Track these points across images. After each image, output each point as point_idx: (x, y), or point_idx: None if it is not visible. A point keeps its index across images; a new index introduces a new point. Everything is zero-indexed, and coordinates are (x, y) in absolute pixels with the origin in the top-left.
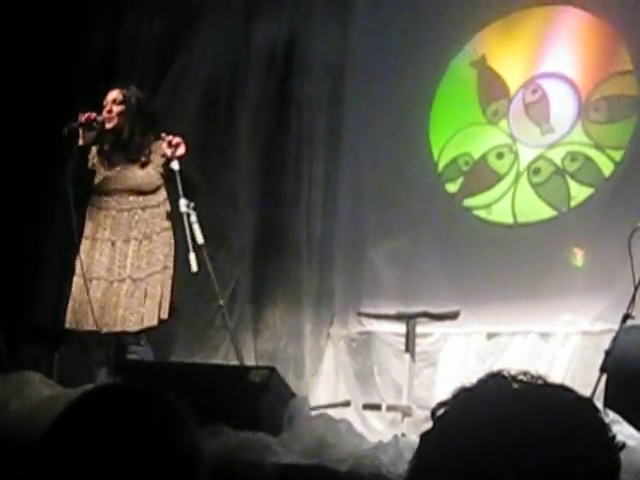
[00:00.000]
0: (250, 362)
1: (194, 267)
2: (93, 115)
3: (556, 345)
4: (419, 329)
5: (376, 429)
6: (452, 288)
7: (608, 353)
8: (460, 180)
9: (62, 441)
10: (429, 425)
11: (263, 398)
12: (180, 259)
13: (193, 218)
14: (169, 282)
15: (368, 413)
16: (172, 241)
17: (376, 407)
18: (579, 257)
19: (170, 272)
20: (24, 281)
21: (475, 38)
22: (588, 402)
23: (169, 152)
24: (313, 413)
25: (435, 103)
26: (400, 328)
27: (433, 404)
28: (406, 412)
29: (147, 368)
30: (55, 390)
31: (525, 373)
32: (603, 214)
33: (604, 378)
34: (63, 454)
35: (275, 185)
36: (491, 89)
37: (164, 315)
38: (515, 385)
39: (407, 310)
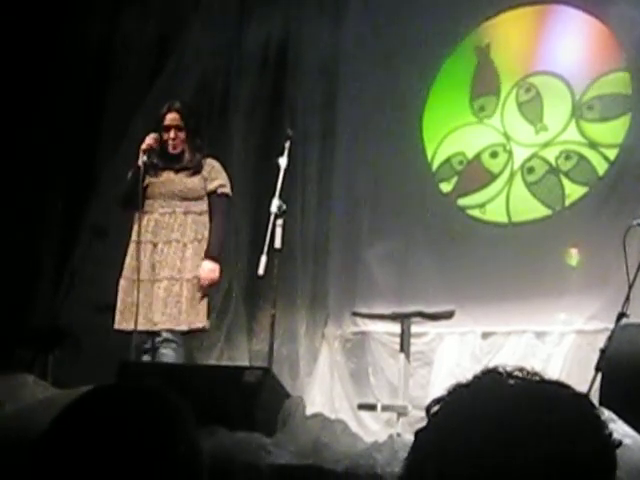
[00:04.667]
0: (244, 363)
1: (261, 270)
2: (156, 138)
3: (551, 344)
4: (414, 329)
5: (371, 429)
6: (447, 288)
7: (603, 352)
8: (454, 179)
9: (62, 441)
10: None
11: (258, 399)
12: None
13: (279, 222)
14: (209, 291)
15: (363, 413)
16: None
17: (371, 407)
18: (574, 256)
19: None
20: (19, 283)
21: (484, 26)
22: (585, 398)
23: None
24: (308, 413)
25: (428, 103)
26: (395, 328)
27: None
28: (401, 412)
29: (143, 368)
30: (50, 392)
31: (521, 369)
32: (597, 213)
33: (599, 377)
34: (63, 454)
35: (269, 186)
36: (484, 82)
37: (202, 321)
38: (511, 381)
39: (402, 310)
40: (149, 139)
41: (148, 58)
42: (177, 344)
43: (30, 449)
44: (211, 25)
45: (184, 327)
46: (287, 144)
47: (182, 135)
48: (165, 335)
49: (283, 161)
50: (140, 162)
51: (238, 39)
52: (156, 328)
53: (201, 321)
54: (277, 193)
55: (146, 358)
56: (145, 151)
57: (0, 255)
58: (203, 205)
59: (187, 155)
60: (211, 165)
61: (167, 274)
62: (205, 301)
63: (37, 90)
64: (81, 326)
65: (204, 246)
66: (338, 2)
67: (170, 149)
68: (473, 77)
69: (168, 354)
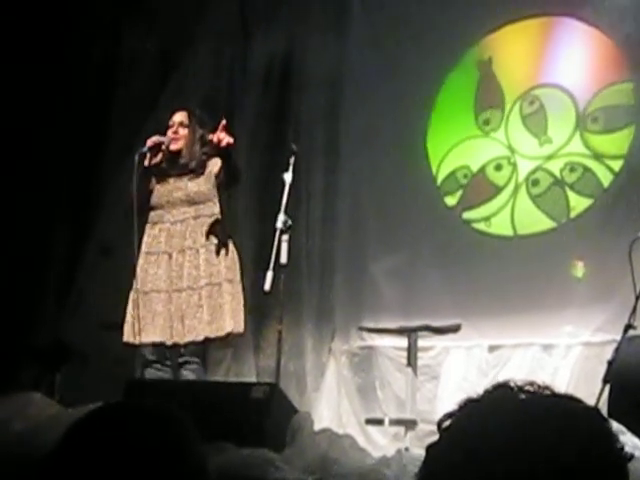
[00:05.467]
0: (252, 378)
1: (267, 286)
2: (160, 139)
3: (558, 357)
4: (420, 343)
5: (379, 444)
6: (453, 301)
7: (610, 364)
8: (459, 193)
9: (69, 460)
10: (432, 439)
11: (266, 414)
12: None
13: (285, 237)
14: (236, 295)
15: (371, 428)
16: (233, 254)
17: (379, 422)
18: (579, 268)
19: (235, 285)
20: (25, 301)
21: (485, 40)
22: (596, 412)
23: (216, 139)
24: (316, 428)
25: (432, 116)
26: (402, 342)
27: (436, 417)
28: (409, 426)
29: (150, 386)
30: (57, 410)
31: (531, 383)
32: (603, 224)
33: (607, 389)
34: (70, 473)
35: (273, 200)
36: (488, 96)
37: (230, 327)
38: (522, 395)
39: (408, 324)
40: (149, 140)
41: (152, 74)
42: (198, 364)
43: (37, 468)
44: (215, 41)
45: (204, 336)
46: (292, 159)
47: (184, 132)
48: (185, 357)
49: (288, 176)
50: (146, 164)
51: (242, 55)
52: (175, 341)
53: (228, 326)
54: (282, 208)
55: (156, 372)
56: (149, 150)
57: (6, 273)
58: (213, 208)
59: (187, 154)
60: (214, 161)
61: (185, 284)
62: (229, 305)
63: (43, 105)
64: (88, 344)
65: (220, 250)
66: (341, 17)
67: (171, 145)
68: (477, 90)
69: (188, 376)
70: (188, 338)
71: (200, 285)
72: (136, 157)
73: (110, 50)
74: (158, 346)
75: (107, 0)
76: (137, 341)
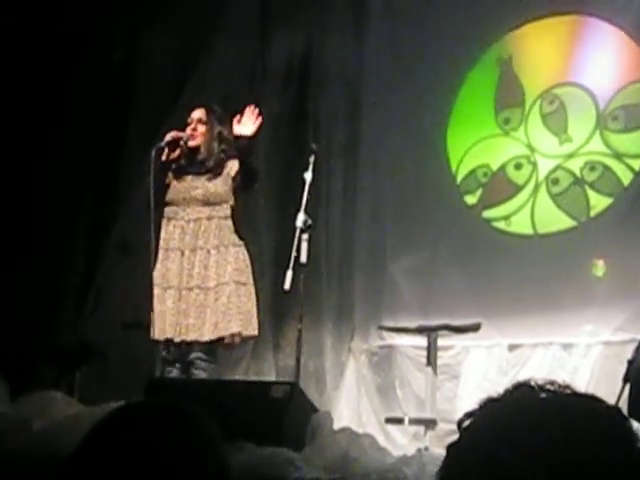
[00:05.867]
0: (271, 377)
1: (287, 285)
2: (179, 134)
3: (578, 356)
4: (440, 342)
5: (399, 443)
6: (473, 300)
7: (631, 363)
8: (479, 192)
9: (91, 459)
10: (452, 438)
11: (285, 413)
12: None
13: (305, 236)
14: (244, 297)
15: (391, 427)
16: (245, 257)
17: (399, 421)
18: (599, 267)
19: (245, 288)
20: (45, 300)
21: (505, 38)
22: (617, 411)
23: (236, 129)
24: (335, 428)
25: (452, 115)
26: (421, 341)
27: (456, 417)
28: (429, 425)
29: (171, 385)
30: (77, 409)
31: (552, 383)
32: (623, 223)
33: (627, 388)
34: (92, 473)
35: (293, 200)
36: (508, 94)
37: (236, 329)
38: (542, 395)
39: (428, 323)
40: (174, 133)
41: (171, 76)
42: (208, 362)
43: (59, 468)
44: (235, 41)
45: (209, 338)
46: (311, 159)
47: (203, 129)
48: (195, 354)
49: (308, 176)
50: (164, 158)
51: (262, 54)
52: (182, 338)
53: (233, 328)
54: (302, 208)
55: (174, 371)
56: (167, 145)
57: (27, 272)
58: (227, 210)
59: (205, 151)
60: (233, 163)
61: (194, 283)
62: (236, 308)
63: (61, 107)
64: (108, 342)
65: (230, 251)
66: (360, 16)
67: (189, 142)
68: (497, 89)
69: (199, 375)
70: (192, 337)
71: (208, 286)
72: (153, 152)
73: (129, 54)
74: (171, 343)
75: (126, 0)
76: (161, 337)
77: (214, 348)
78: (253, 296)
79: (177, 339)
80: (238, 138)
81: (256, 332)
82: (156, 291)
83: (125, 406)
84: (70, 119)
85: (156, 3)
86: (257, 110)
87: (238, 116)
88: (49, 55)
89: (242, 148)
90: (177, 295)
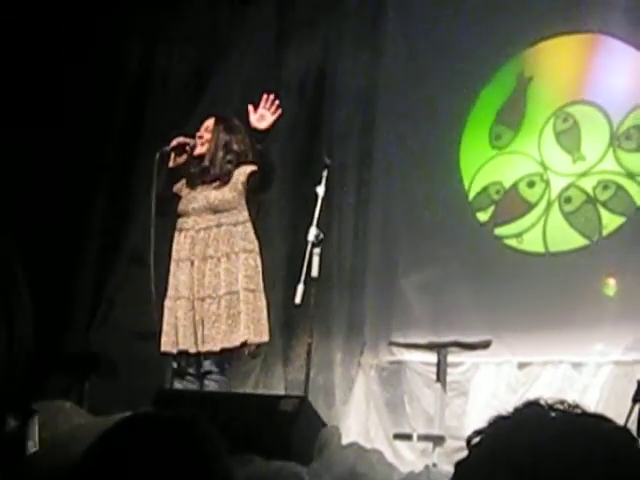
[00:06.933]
0: (280, 391)
1: (298, 299)
2: (185, 140)
3: (588, 375)
4: (450, 358)
5: (407, 459)
6: (483, 317)
7: None
8: (491, 209)
9: (97, 469)
10: (460, 455)
11: (294, 427)
12: None
13: (317, 250)
14: (253, 305)
15: (399, 443)
16: (255, 263)
17: (407, 437)
18: (611, 286)
19: (254, 295)
20: (55, 309)
21: (520, 56)
22: (626, 432)
23: (252, 121)
24: (343, 442)
25: (466, 131)
26: (431, 358)
27: (464, 434)
28: (437, 442)
29: (179, 396)
30: (86, 419)
31: (562, 402)
32: (635, 243)
33: (637, 408)
34: None
35: (306, 213)
36: (510, 113)
37: (244, 337)
38: (552, 414)
39: (438, 340)
40: (180, 138)
41: (186, 89)
42: (220, 374)
43: (66, 477)
44: (249, 56)
45: (221, 347)
46: (325, 173)
47: (208, 137)
48: (208, 366)
49: (321, 190)
50: (170, 165)
51: (276, 68)
52: (198, 350)
53: (242, 336)
54: (315, 222)
55: (185, 382)
56: (172, 150)
57: (37, 281)
58: (238, 216)
59: (209, 159)
60: (242, 169)
61: (206, 293)
62: (245, 315)
63: (75, 120)
64: (117, 353)
65: (240, 258)
66: (376, 31)
67: (196, 149)
68: (503, 104)
69: (210, 386)
70: (207, 347)
71: (220, 294)
72: (157, 155)
73: (144, 65)
74: (183, 355)
75: (142, 12)
76: (175, 350)
77: (225, 359)
78: (263, 302)
79: (192, 350)
80: (254, 131)
81: (267, 338)
82: (167, 303)
83: (130, 417)
84: (86, 127)
85: (173, 16)
86: (275, 100)
87: (252, 107)
88: (64, 63)
89: (258, 141)
90: (189, 306)
